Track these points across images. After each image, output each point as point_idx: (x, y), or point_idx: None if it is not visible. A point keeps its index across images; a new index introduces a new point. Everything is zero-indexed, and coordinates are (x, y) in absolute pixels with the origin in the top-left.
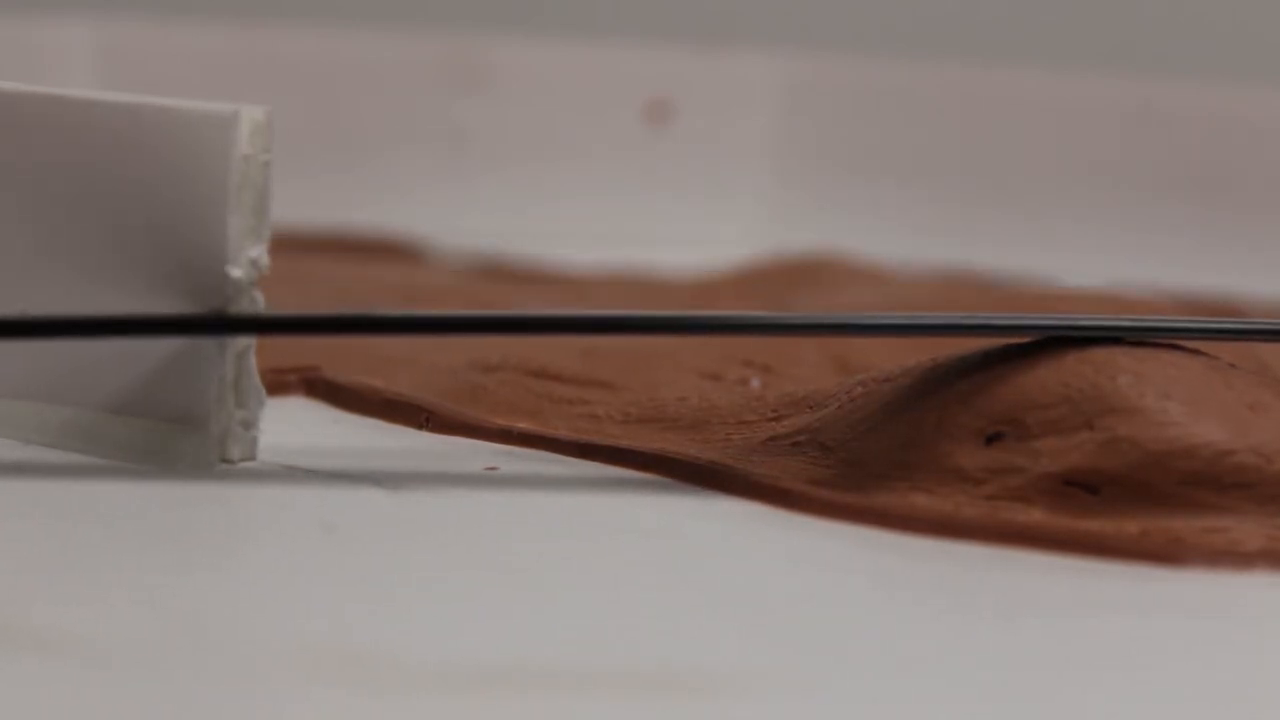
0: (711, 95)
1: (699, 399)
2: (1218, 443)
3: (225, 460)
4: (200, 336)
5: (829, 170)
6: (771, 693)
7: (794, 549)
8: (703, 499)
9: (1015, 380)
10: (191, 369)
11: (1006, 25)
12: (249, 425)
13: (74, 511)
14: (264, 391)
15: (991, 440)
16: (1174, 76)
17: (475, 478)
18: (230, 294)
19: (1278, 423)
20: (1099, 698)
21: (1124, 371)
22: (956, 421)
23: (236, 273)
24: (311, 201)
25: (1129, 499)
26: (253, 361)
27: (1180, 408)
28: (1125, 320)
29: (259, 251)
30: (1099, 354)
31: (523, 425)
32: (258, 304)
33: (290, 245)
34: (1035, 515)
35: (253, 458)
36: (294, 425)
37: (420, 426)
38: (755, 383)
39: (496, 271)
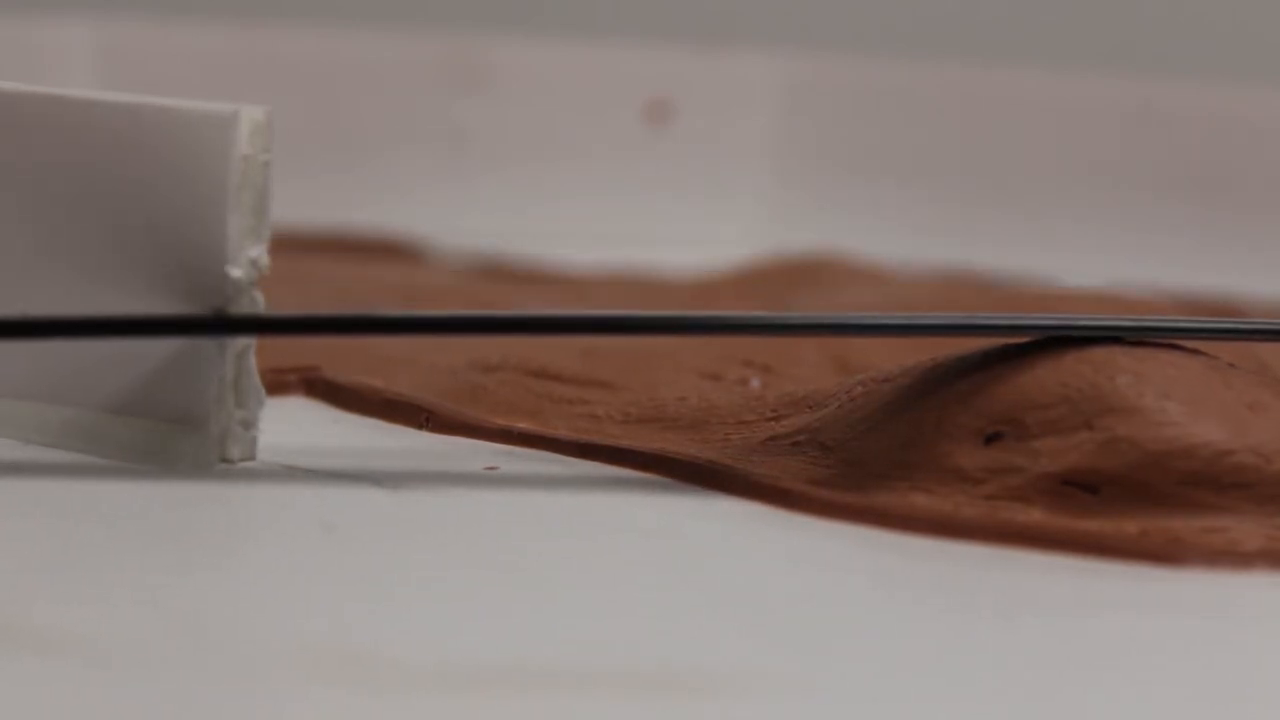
0: (711, 95)
1: (699, 399)
2: (1217, 443)
3: (225, 460)
4: (200, 337)
5: (829, 170)
6: (771, 693)
7: (794, 549)
8: (703, 499)
9: (1015, 380)
10: (191, 369)
11: (1006, 25)
12: (249, 425)
13: (74, 511)
14: (264, 391)
15: (991, 440)
16: (1174, 76)
17: (475, 478)
18: (230, 294)
19: (1277, 423)
20: (1099, 697)
21: (1123, 371)
22: (956, 421)
23: (236, 273)
24: (311, 201)
25: (1128, 499)
26: (252, 361)
27: (1179, 408)
28: (1125, 320)
29: (259, 251)
30: (1098, 354)
31: (523, 425)
32: (258, 304)
33: (290, 245)
34: (1034, 515)
35: (252, 458)
36: (294, 425)
37: (420, 426)
38: (755, 383)
39: (496, 271)
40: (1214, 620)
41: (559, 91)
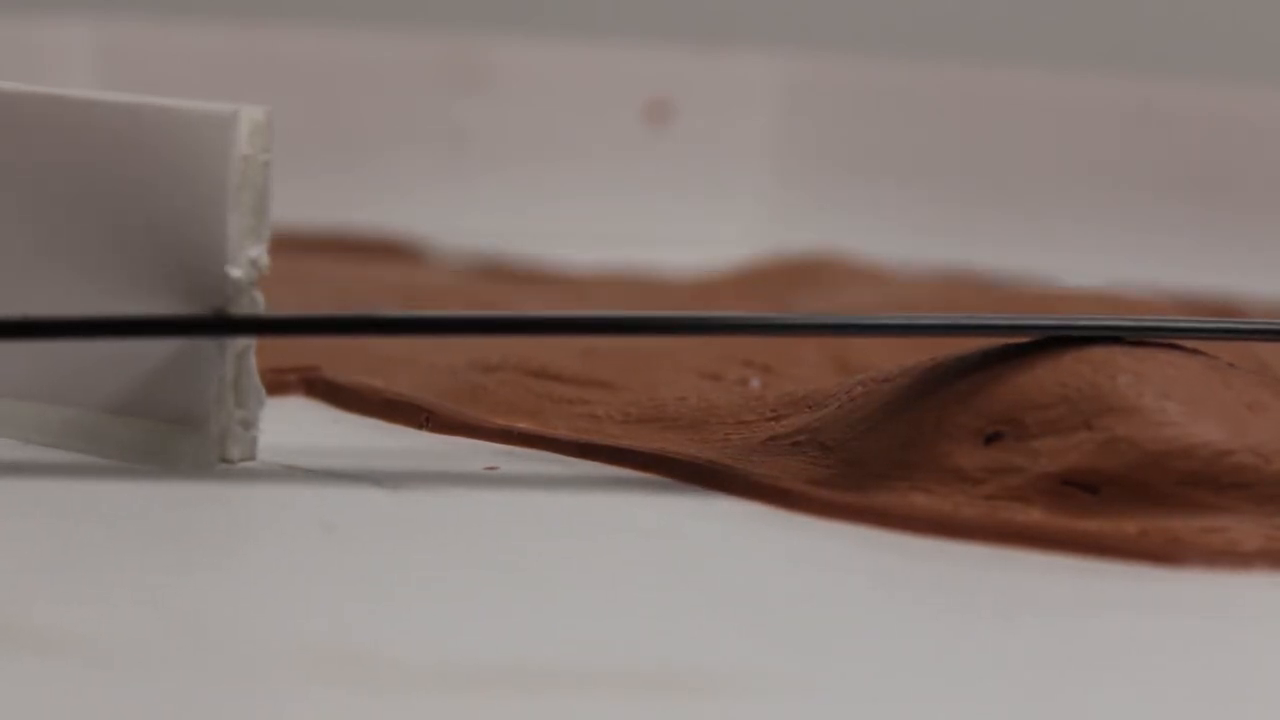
0: (711, 95)
1: (699, 399)
2: (1216, 442)
3: (225, 460)
4: (200, 337)
5: (829, 170)
6: (771, 693)
7: (794, 549)
8: (702, 499)
9: (1014, 380)
10: (191, 369)
11: (1006, 25)
12: (249, 425)
13: (74, 511)
14: (264, 391)
15: (990, 440)
16: (1174, 76)
17: (475, 478)
18: (230, 294)
19: (1276, 422)
20: (1098, 697)
21: (1123, 371)
22: (956, 421)
23: (236, 273)
24: (311, 201)
25: (1128, 499)
26: (252, 361)
27: (1179, 407)
28: (1124, 320)
29: (259, 251)
30: (1098, 354)
31: (523, 425)
32: (258, 304)
33: (290, 245)
34: (1034, 515)
35: (252, 458)
36: (294, 425)
37: (420, 426)
38: (755, 383)
39: (496, 271)
40: (1214, 620)
41: (559, 91)
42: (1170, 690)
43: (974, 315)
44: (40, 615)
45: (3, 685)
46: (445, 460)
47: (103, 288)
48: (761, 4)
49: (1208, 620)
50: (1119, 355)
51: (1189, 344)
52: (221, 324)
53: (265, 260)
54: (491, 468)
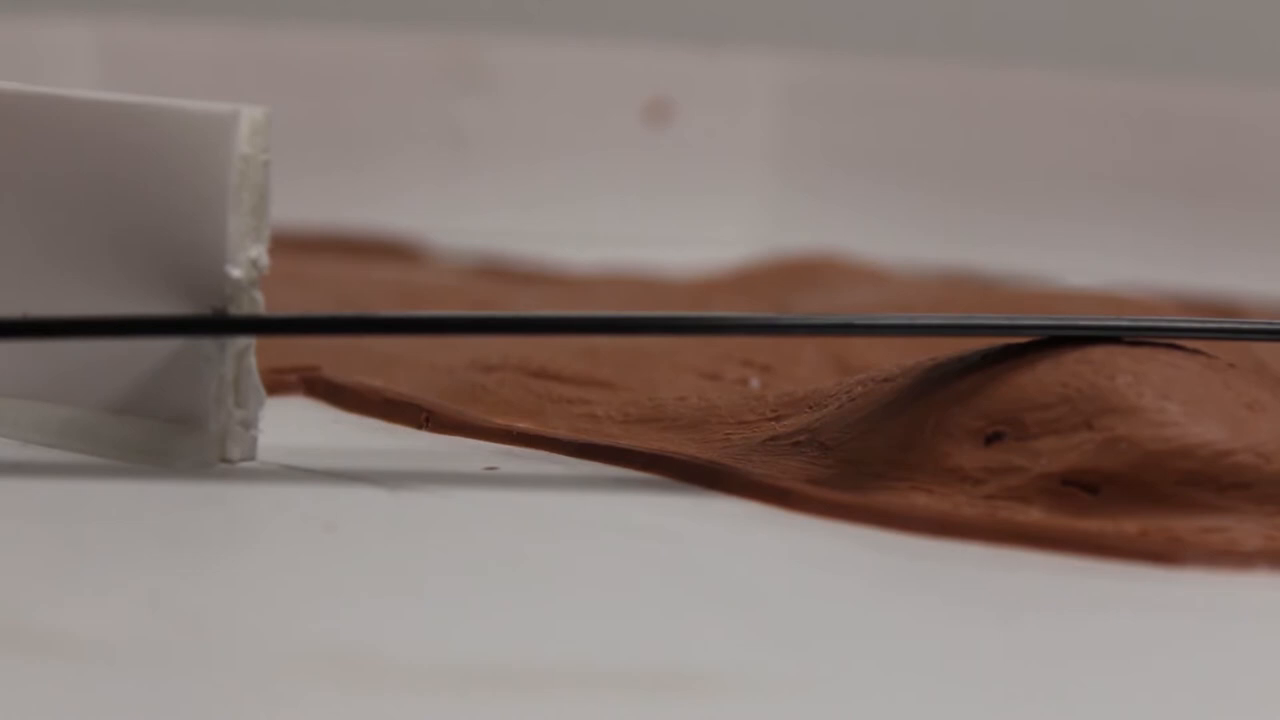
0: (711, 95)
1: (698, 399)
2: (1216, 442)
3: (225, 460)
4: (200, 337)
5: (829, 170)
6: (771, 692)
7: (794, 549)
8: (702, 499)
9: (1014, 380)
10: (191, 369)
11: (1006, 25)
12: (249, 425)
13: (74, 511)
14: (264, 391)
15: (991, 440)
16: (1174, 77)
17: (475, 478)
18: (230, 294)
19: (1276, 422)
20: (1098, 697)
21: (1123, 371)
22: (956, 421)
23: (236, 273)
24: (311, 201)
25: (1128, 499)
26: (252, 361)
27: (1179, 408)
28: (1124, 320)
29: (259, 251)
30: (1098, 354)
31: (523, 425)
32: (258, 304)
33: (290, 245)
34: (1034, 515)
35: (252, 457)
36: (294, 425)
37: (420, 426)
38: (755, 383)
39: (496, 271)
40: (1214, 620)
41: (559, 91)
42: (1170, 690)
43: (974, 315)
44: (39, 615)
45: (3, 685)
46: (445, 460)
47: (103, 287)
48: (761, 4)
49: (1208, 620)
50: (1119, 355)
51: (1189, 344)
52: (221, 324)
53: (265, 260)
54: (491, 468)
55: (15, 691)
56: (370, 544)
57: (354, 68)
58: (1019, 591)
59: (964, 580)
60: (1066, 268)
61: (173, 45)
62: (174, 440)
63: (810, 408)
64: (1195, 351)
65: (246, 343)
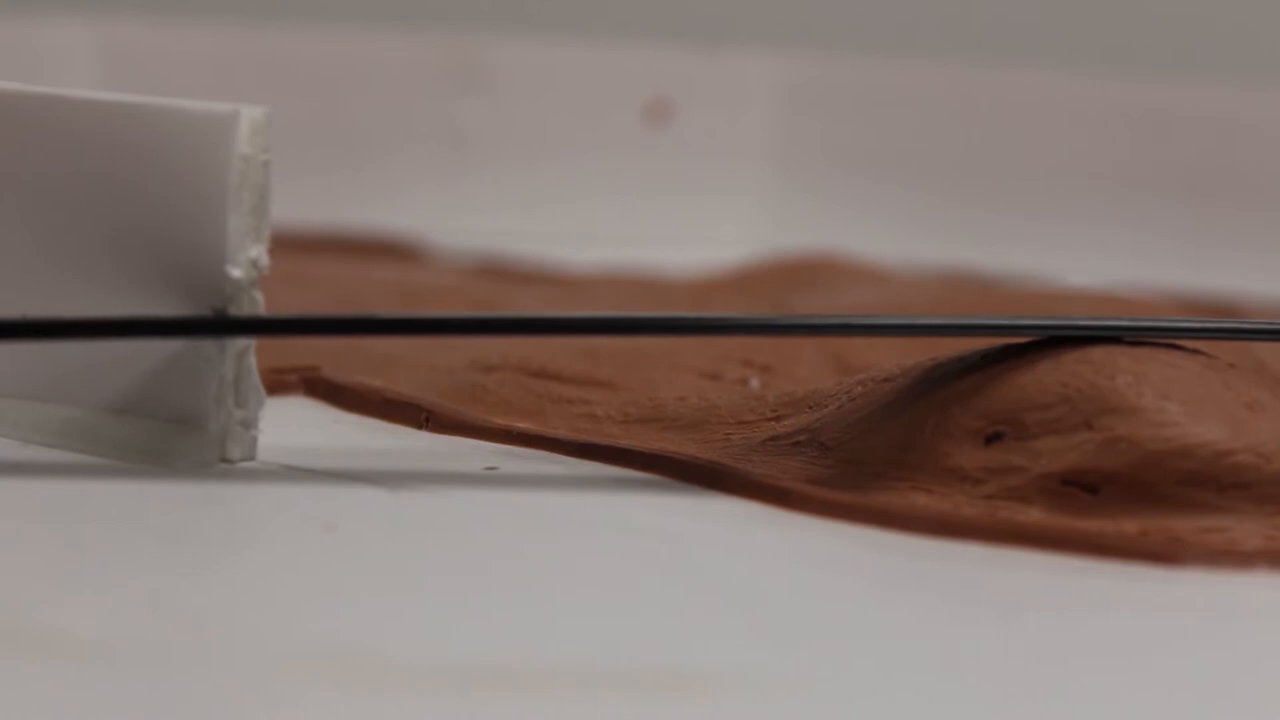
0: (711, 95)
1: (698, 399)
2: (1216, 442)
3: (225, 460)
4: (200, 338)
5: (829, 170)
6: (771, 692)
7: (793, 549)
8: (702, 499)
9: (1014, 380)
10: (191, 369)
11: (1006, 25)
12: (249, 425)
13: (74, 511)
14: (264, 391)
15: (991, 440)
16: (1174, 76)
17: (475, 478)
18: (230, 294)
19: (1276, 422)
20: (1098, 697)
21: (1123, 371)
22: (956, 421)
23: (236, 273)
24: (311, 201)
25: (1128, 499)
26: (252, 361)
27: (1179, 408)
28: (1125, 320)
29: (259, 251)
30: (1098, 354)
31: (523, 425)
32: (258, 304)
33: (290, 245)
34: (1034, 515)
35: (253, 457)
36: (294, 425)
37: (420, 426)
38: (755, 383)
39: (496, 271)
40: (1214, 620)
41: (559, 91)
42: (1170, 690)
43: (974, 315)
44: (40, 615)
45: (3, 685)
46: (445, 460)
47: (103, 287)
48: (761, 4)
49: (1208, 620)
50: (1119, 355)
51: (1189, 344)
52: (221, 324)
53: (265, 260)
54: (491, 468)
55: (15, 691)
56: (370, 544)
57: (354, 68)
58: (1019, 591)
59: (964, 580)
60: (1066, 268)
61: (173, 45)
62: (174, 440)
63: (810, 408)
64: (1195, 351)
65: (246, 343)
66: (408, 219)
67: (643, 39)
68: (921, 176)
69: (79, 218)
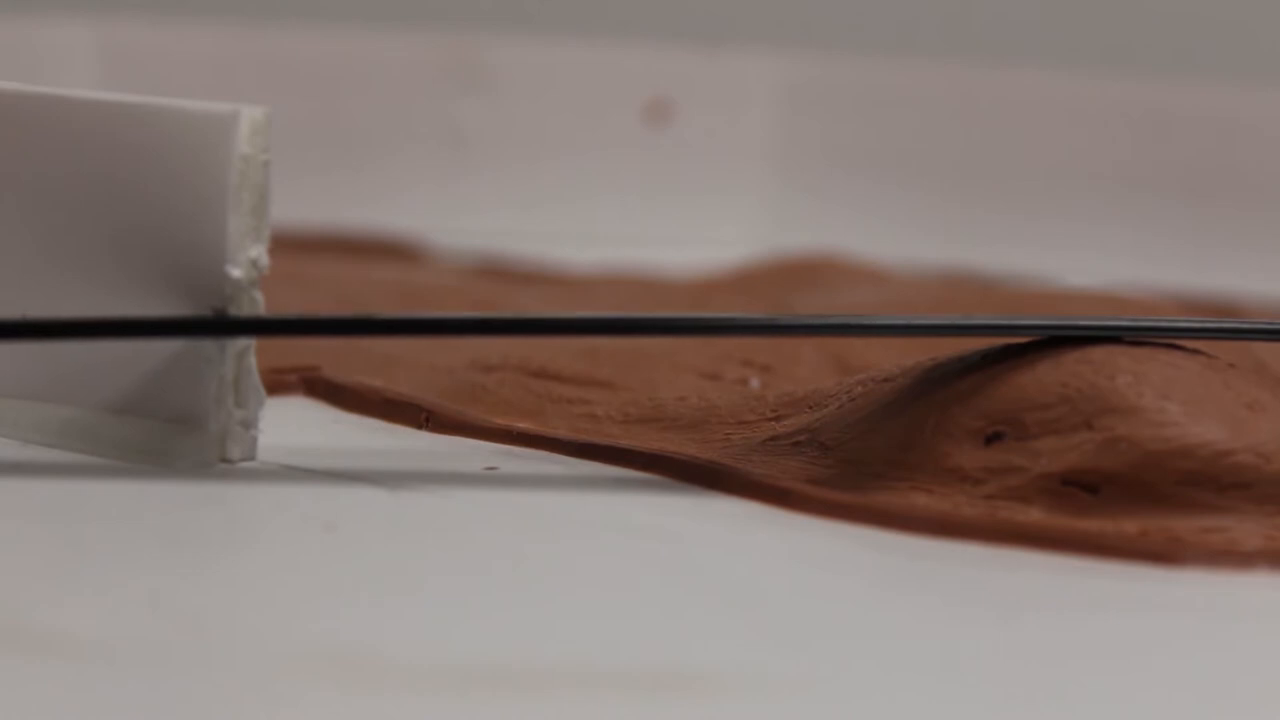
0: (711, 95)
1: (698, 399)
2: (1216, 442)
3: (225, 460)
4: (200, 338)
5: (829, 170)
6: (771, 692)
7: (793, 548)
8: (702, 499)
9: (1014, 380)
10: (191, 369)
11: (1006, 25)
12: (249, 425)
13: (74, 511)
14: (264, 391)
15: (991, 440)
16: (1174, 77)
17: (475, 478)
18: (230, 294)
19: (1276, 422)
20: (1098, 697)
21: (1123, 371)
22: (956, 421)
23: (236, 273)
24: (311, 201)
25: (1128, 499)
26: (252, 361)
27: (1179, 408)
28: (1125, 320)
29: (259, 251)
30: (1098, 354)
31: (523, 425)
32: (258, 304)
33: (290, 245)
34: (1034, 515)
35: (253, 457)
36: (294, 425)
37: (420, 426)
38: (754, 383)
39: (496, 271)
40: (1214, 620)
41: (559, 91)
42: (1170, 690)
43: (974, 315)
44: (40, 615)
45: (3, 685)
46: (445, 460)
47: (103, 287)
48: (761, 4)
49: (1208, 620)
50: (1119, 355)
51: (1189, 344)
52: (221, 324)
53: (265, 260)
54: (491, 468)
55: (15, 691)
56: (370, 544)
57: (354, 68)
58: (1019, 591)
59: (964, 580)
60: (1066, 268)
61: (173, 45)
62: (174, 440)
63: (810, 408)
64: (1195, 351)
65: (246, 343)
66: (408, 219)
67: (643, 39)
68: (921, 176)
69: (79, 218)
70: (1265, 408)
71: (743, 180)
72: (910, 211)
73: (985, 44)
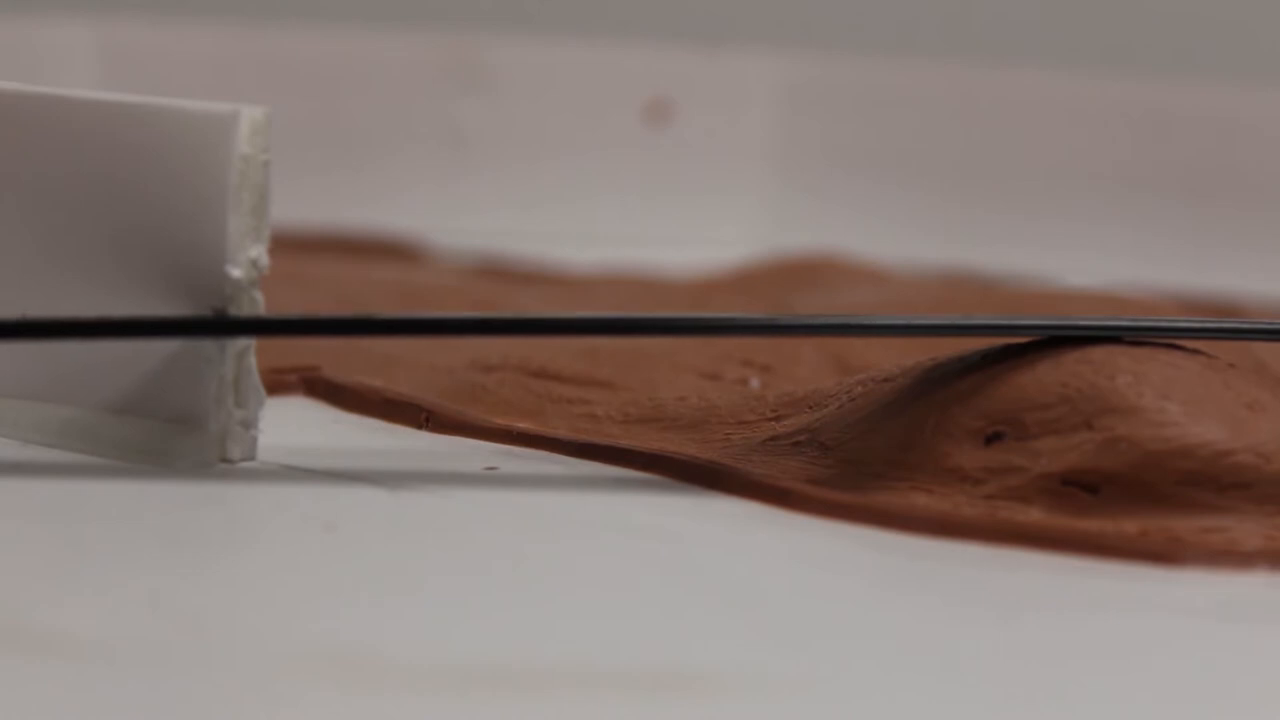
0: (711, 95)
1: (698, 399)
2: (1216, 442)
3: (225, 460)
4: (200, 338)
5: (829, 170)
6: (771, 692)
7: (793, 548)
8: (702, 499)
9: (1014, 380)
10: (191, 369)
11: (1006, 25)
12: (249, 425)
13: (74, 511)
14: (264, 391)
15: (991, 440)
16: (1174, 77)
17: (475, 478)
18: (230, 294)
19: (1276, 422)
20: (1098, 697)
21: (1123, 371)
22: (956, 421)
23: (236, 273)
24: (311, 201)
25: (1128, 499)
26: (252, 361)
27: (1179, 408)
28: (1125, 320)
29: (259, 251)
30: (1098, 354)
31: (523, 425)
32: (258, 304)
33: (290, 245)
34: (1034, 515)
35: (253, 457)
36: (294, 425)
37: (420, 426)
38: (754, 383)
39: (496, 271)
40: (1214, 620)
41: (559, 91)
42: (1170, 690)
43: (974, 315)
44: (40, 615)
45: (3, 685)
46: (445, 460)
47: (103, 287)
48: (761, 4)
49: (1208, 620)
50: (1119, 355)
51: (1189, 344)
52: (221, 324)
53: (265, 260)
54: (491, 468)
55: (15, 691)
56: (370, 544)
57: (354, 68)
58: (1019, 591)
59: (964, 580)
60: (1066, 268)
61: (173, 45)
62: (174, 440)
63: (810, 408)
64: (1195, 351)
65: (246, 343)
66: (408, 219)
67: (643, 39)
68: (921, 176)
69: (79, 218)
70: (1265, 408)
71: (743, 180)
72: (910, 211)
73: (985, 44)
